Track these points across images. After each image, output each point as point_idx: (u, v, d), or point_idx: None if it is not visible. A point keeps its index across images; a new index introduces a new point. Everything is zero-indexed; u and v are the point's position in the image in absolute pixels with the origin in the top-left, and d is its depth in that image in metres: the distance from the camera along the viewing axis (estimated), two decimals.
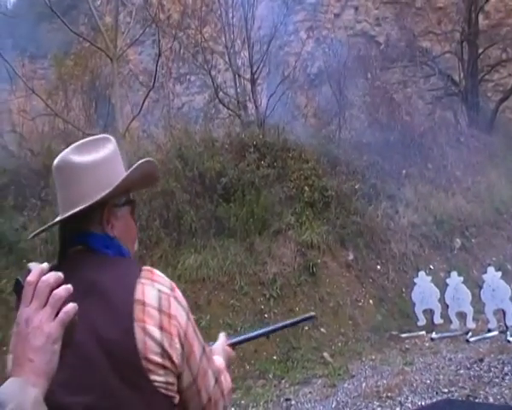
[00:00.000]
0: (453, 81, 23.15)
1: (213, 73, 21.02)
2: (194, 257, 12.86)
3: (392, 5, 26.33)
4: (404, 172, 17.37)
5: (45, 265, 1.59)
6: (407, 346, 11.92)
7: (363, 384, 9.71)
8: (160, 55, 15.56)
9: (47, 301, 1.51)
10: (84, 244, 2.09)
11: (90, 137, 2.23)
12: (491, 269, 12.12)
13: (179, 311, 1.98)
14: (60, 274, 1.55)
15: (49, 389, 1.50)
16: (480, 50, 22.88)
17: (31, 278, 1.53)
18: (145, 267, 2.03)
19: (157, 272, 2.04)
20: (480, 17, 23.34)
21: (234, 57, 20.76)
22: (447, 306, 12.22)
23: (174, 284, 2.04)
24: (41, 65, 25.00)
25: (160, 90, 25.09)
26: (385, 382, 9.61)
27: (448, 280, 12.44)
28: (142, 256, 12.69)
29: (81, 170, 2.10)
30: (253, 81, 19.51)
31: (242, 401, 9.75)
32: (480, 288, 12.03)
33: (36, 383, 1.45)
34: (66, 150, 2.14)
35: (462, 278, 12.31)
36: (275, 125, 17.50)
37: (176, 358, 1.93)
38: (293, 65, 22.13)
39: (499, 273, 11.85)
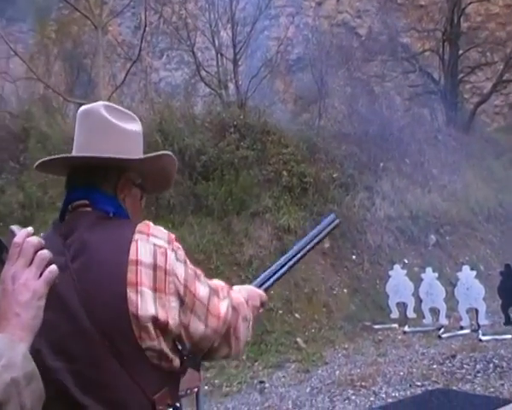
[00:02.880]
0: (433, 79, 23.34)
1: (195, 50, 20.91)
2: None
3: None
4: (381, 164, 17.43)
5: (30, 228, 1.64)
6: (380, 337, 11.98)
7: (337, 372, 9.76)
8: (145, 27, 15.46)
9: (32, 261, 1.57)
10: (88, 199, 2.04)
11: (122, 108, 2.23)
12: (466, 267, 12.21)
13: (176, 264, 1.92)
14: (42, 240, 1.62)
15: (36, 348, 1.58)
16: (461, 52, 23.06)
17: (17, 239, 1.59)
18: (141, 223, 1.99)
19: (153, 225, 2.00)
20: (461, 19, 23.51)
21: (217, 36, 20.67)
22: (421, 300, 12.31)
23: (173, 236, 2.00)
24: (19, 28, 24.56)
25: (138, 63, 24.87)
26: (359, 371, 9.67)
27: (423, 275, 12.53)
28: None
29: (112, 128, 2.11)
30: (235, 61, 19.47)
31: (216, 381, 9.77)
32: (454, 285, 12.13)
33: (22, 337, 1.49)
34: (97, 103, 2.16)
35: (436, 275, 12.39)
36: (255, 107, 17.47)
37: (171, 319, 1.86)
38: (276, 49, 22.12)
39: (474, 273, 11.95)
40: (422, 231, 16.17)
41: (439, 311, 12.12)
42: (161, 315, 1.83)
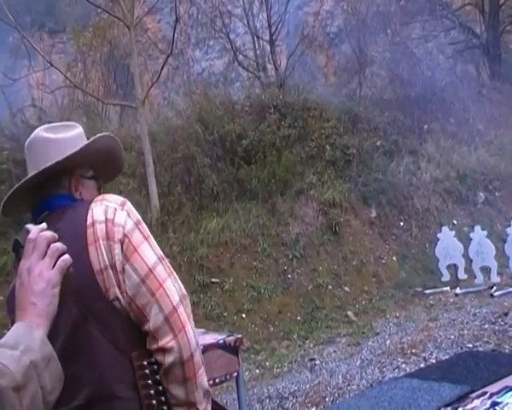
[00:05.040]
0: (474, 34, 22.78)
1: (232, 36, 20.90)
2: (217, 221, 12.85)
3: None
4: (425, 127, 17.21)
5: (44, 225, 1.77)
6: (431, 302, 11.85)
7: (388, 342, 9.67)
8: (177, 20, 15.48)
9: (46, 253, 1.69)
10: (48, 208, 2.24)
11: (61, 123, 2.46)
12: None
13: (124, 218, 2.09)
14: (55, 234, 1.74)
15: None
16: (501, 1, 22.46)
17: (31, 235, 1.71)
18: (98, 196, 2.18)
19: (110, 194, 2.18)
20: None
21: (252, 20, 20.62)
22: (471, 260, 12.14)
23: (128, 203, 2.16)
24: (60, 39, 24.96)
25: (180, 56, 24.95)
26: (409, 338, 9.57)
27: (472, 234, 12.35)
28: (165, 222, 12.74)
29: (51, 143, 2.30)
30: (271, 42, 19.37)
31: (267, 363, 9.79)
32: (504, 242, 11.93)
33: (39, 324, 1.59)
34: (38, 129, 2.36)
35: (485, 232, 12.20)
36: (295, 85, 17.40)
37: (117, 262, 2.01)
38: (312, 24, 21.93)
39: None
40: (470, 189, 15.88)
41: (490, 269, 11.94)
42: (111, 258, 2.01)
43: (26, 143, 2.35)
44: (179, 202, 13.33)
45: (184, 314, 2.07)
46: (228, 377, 5.55)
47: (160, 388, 2.03)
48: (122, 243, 2.02)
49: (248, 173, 13.99)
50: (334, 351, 9.83)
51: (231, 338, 5.55)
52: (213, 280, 11.77)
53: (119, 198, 2.16)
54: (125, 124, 16.86)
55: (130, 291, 2.01)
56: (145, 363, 2.01)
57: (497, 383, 2.56)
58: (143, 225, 2.14)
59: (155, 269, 2.04)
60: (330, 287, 12.28)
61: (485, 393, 2.49)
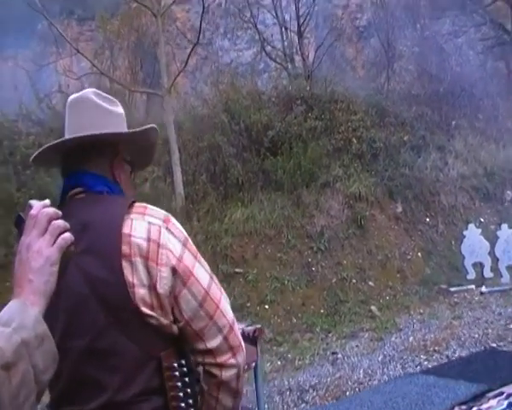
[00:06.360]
0: (505, 30, 22.51)
1: (260, 27, 20.87)
2: (241, 211, 12.85)
3: None
4: (453, 123, 17.08)
5: (47, 201, 1.71)
6: (456, 300, 11.77)
7: (411, 338, 9.65)
8: (204, 9, 15.47)
9: (46, 230, 1.63)
10: (82, 185, 2.12)
11: (107, 95, 2.33)
12: None
13: (171, 240, 1.97)
14: (58, 211, 1.68)
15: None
16: None
17: (33, 211, 1.65)
18: (138, 204, 2.06)
19: (151, 207, 2.06)
20: None
21: (281, 11, 20.55)
22: (497, 259, 12.03)
23: (170, 216, 2.05)
24: (88, 27, 25.01)
25: (209, 47, 24.93)
26: (432, 336, 9.54)
27: (499, 233, 12.24)
28: (189, 211, 12.75)
29: (102, 110, 2.20)
30: (300, 34, 19.32)
31: (289, 355, 9.77)
32: None
33: (35, 302, 1.54)
34: (87, 90, 2.27)
35: None
36: (322, 77, 17.30)
37: (161, 288, 1.91)
38: (340, 17, 21.85)
39: None
40: (498, 187, 15.72)
41: None
42: (153, 281, 1.90)
43: (71, 99, 2.26)
44: (204, 190, 13.34)
45: (238, 329, 2.07)
46: (246, 367, 5.51)
47: (189, 390, 2.00)
48: (175, 268, 1.94)
49: (274, 164, 13.94)
50: (357, 345, 9.81)
51: (250, 328, 5.53)
52: (237, 270, 11.77)
53: (162, 213, 2.05)
54: (151, 112, 16.89)
55: (186, 315, 1.97)
56: (175, 365, 1.98)
57: None
58: (190, 242, 2.06)
59: (210, 290, 2.01)
60: (354, 281, 12.24)
61: (503, 393, 2.42)
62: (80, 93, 2.26)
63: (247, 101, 15.44)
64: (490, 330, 9.33)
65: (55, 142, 2.17)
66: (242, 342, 2.06)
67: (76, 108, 2.23)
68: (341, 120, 15.52)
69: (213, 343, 2.00)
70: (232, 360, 2.03)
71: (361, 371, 8.49)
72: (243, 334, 5.42)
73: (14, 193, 11.59)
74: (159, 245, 1.93)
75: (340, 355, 9.40)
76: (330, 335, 10.62)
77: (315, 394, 7.86)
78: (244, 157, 14.07)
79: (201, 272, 2.01)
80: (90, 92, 2.24)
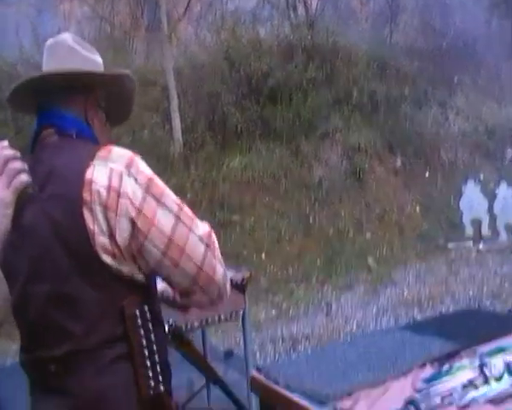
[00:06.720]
0: None
1: None
2: (239, 159, 12.78)
3: None
4: (455, 79, 16.93)
5: (5, 142, 1.73)
6: (453, 256, 11.77)
7: (405, 292, 9.67)
8: None
9: (2, 172, 1.66)
10: (53, 124, 2.08)
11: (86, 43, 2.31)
12: None
13: (132, 187, 1.89)
14: (17, 152, 1.71)
15: (16, 280, 1.80)
16: None
17: None
18: (104, 147, 1.98)
19: (116, 149, 1.97)
20: None
21: None
22: (495, 217, 11.99)
23: (135, 157, 1.97)
24: None
25: None
26: (427, 290, 9.56)
27: (497, 191, 12.18)
28: (187, 158, 12.69)
29: (78, 55, 2.18)
30: None
31: (283, 305, 9.81)
32: None
33: None
34: (65, 34, 2.27)
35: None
36: (324, 27, 17.06)
37: (120, 237, 1.87)
38: None
39: None
40: (498, 145, 15.60)
41: None
42: (112, 230, 1.87)
43: (48, 43, 2.23)
44: (202, 138, 13.23)
45: (212, 262, 1.98)
46: (234, 314, 5.47)
47: (152, 336, 1.97)
48: (135, 220, 1.87)
49: (273, 113, 13.82)
50: (352, 297, 9.80)
51: (238, 275, 5.45)
52: (234, 218, 11.73)
53: (126, 155, 1.95)
54: (151, 58, 16.70)
55: (150, 265, 1.94)
56: (137, 312, 1.94)
57: (489, 343, 2.46)
58: (156, 181, 1.94)
59: (175, 234, 1.91)
60: (351, 233, 12.21)
61: (476, 351, 2.38)
62: (58, 37, 2.24)
63: (247, 49, 15.23)
64: (485, 288, 9.34)
65: (22, 79, 2.10)
66: (218, 276, 1.99)
67: (51, 51, 2.22)
68: (342, 71, 15.36)
69: (181, 287, 2.01)
70: (204, 298, 2.02)
71: (354, 322, 8.57)
72: (231, 281, 5.34)
73: (13, 137, 11.51)
74: (119, 194, 1.87)
75: (334, 306, 9.45)
76: (326, 286, 10.64)
77: (307, 344, 7.90)
78: (243, 105, 13.94)
79: (164, 218, 1.91)
80: (67, 36, 2.22)
